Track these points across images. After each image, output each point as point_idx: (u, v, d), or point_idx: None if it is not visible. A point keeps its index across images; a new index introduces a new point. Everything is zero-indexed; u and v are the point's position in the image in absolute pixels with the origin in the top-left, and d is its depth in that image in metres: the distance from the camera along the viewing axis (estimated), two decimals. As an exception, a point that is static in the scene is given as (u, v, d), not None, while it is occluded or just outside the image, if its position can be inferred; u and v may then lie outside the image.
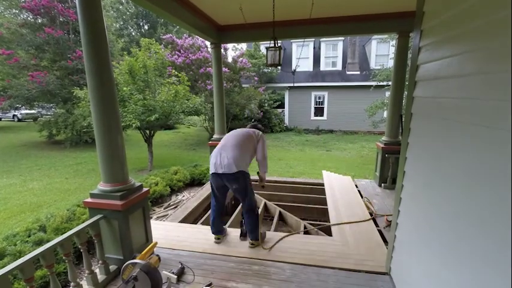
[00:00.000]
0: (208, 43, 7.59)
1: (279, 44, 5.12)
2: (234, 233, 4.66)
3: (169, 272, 3.46)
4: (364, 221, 4.96)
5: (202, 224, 5.43)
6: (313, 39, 22.28)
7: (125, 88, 9.93)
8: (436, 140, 2.40)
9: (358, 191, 6.54)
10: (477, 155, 1.80)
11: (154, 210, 6.53)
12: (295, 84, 22.56)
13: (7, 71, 15.55)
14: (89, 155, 14.26)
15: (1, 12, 18.24)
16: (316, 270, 3.60)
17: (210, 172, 4.04)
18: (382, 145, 6.73)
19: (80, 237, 3.12)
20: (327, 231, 4.93)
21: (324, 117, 22.68)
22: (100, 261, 3.36)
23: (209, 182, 4.17)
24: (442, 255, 2.15)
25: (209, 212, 5.86)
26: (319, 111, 22.97)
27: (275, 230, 5.41)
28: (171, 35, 17.85)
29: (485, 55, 1.78)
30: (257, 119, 21.09)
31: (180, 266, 3.60)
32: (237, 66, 17.90)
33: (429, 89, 2.59)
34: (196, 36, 15.45)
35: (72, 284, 2.94)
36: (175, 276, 3.39)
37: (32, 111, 22.52)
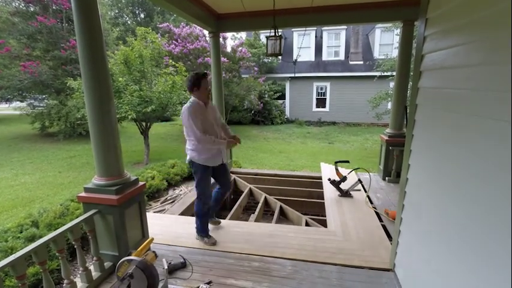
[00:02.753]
0: (206, 32, 7.56)
1: (279, 33, 5.08)
2: (234, 228, 4.65)
3: (167, 263, 3.48)
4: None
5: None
6: (315, 28, 22.21)
7: (120, 79, 9.88)
8: (441, 132, 2.38)
9: (362, 185, 6.53)
10: (484, 147, 1.78)
11: (150, 205, 6.51)
12: (297, 75, 22.50)
13: (-2, 61, 15.48)
14: (83, 147, 14.25)
15: (-8, 0, 18.15)
16: (318, 267, 3.60)
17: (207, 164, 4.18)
18: (386, 137, 6.71)
19: (74, 233, 3.10)
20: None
21: (326, 109, 22.65)
22: (94, 258, 3.35)
23: None
24: (449, 251, 2.14)
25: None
26: (321, 103, 22.92)
27: (275, 225, 5.41)
28: (168, 23, 17.75)
29: (493, 45, 1.76)
30: (257, 110, 21.06)
31: (181, 260, 3.62)
32: (236, 56, 17.79)
33: (435, 80, 2.57)
34: (194, 25, 15.36)
35: (65, 281, 2.93)
36: (166, 267, 3.41)
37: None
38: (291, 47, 23.17)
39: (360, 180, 6.08)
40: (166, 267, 3.42)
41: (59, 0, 15.71)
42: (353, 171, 6.34)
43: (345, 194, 5.89)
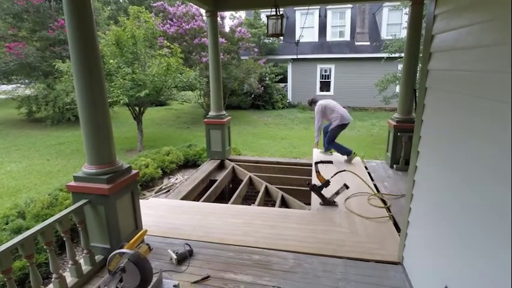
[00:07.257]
0: (203, 11, 7.46)
1: (281, 12, 5.02)
2: (232, 219, 4.64)
3: (173, 252, 3.55)
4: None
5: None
6: (319, 7, 21.94)
7: (111, 61, 9.80)
8: (453, 116, 2.35)
9: (368, 173, 6.51)
10: (497, 132, 1.74)
11: (144, 195, 6.52)
12: (299, 56, 22.30)
13: (-18, 42, 15.29)
14: (73, 134, 14.24)
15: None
16: (322, 260, 3.59)
17: (343, 123, 7.04)
18: (394, 123, 6.66)
19: (63, 225, 3.07)
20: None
21: (331, 93, 22.47)
22: (85, 251, 3.34)
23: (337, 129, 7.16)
24: (460, 243, 2.12)
25: (205, 196, 5.86)
26: (325, 86, 22.80)
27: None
28: (162, 2, 17.54)
29: (507, 24, 1.70)
30: (257, 94, 20.96)
31: (188, 248, 3.66)
32: (235, 36, 17.64)
33: (445, 61, 2.54)
34: (190, 3, 15.21)
35: (54, 275, 2.91)
36: (176, 257, 3.47)
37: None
38: (293, 26, 22.89)
39: (346, 185, 5.10)
40: (175, 256, 3.48)
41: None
42: (339, 173, 5.44)
43: (328, 202, 5.08)
